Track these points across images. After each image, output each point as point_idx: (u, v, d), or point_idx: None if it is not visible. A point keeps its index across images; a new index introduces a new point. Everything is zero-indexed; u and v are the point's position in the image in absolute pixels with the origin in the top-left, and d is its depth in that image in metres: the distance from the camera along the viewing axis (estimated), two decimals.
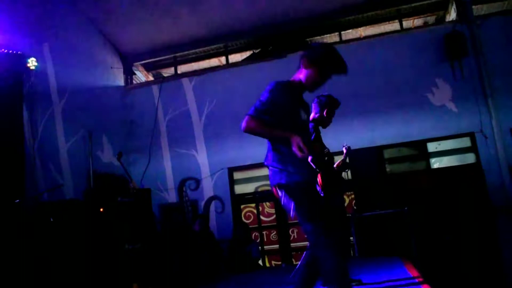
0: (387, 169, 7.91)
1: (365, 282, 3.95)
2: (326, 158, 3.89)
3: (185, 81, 8.97)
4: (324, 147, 3.91)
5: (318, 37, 9.10)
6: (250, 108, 2.43)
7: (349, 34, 9.05)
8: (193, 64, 9.76)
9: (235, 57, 9.44)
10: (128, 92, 9.25)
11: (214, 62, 9.73)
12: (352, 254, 6.71)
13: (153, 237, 5.85)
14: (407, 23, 8.81)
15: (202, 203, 8.34)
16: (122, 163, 6.03)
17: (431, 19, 8.93)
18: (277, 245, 8.33)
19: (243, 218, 8.58)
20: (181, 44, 9.14)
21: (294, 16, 8.51)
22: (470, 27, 7.69)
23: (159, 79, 9.49)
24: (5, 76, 5.30)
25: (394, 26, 8.82)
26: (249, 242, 7.35)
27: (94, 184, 6.51)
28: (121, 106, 9.01)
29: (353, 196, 8.02)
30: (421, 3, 8.38)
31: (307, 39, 9.05)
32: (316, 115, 3.95)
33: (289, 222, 8.39)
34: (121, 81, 9.27)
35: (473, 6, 7.99)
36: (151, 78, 10.01)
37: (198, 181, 8.45)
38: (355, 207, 7.80)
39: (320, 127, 3.94)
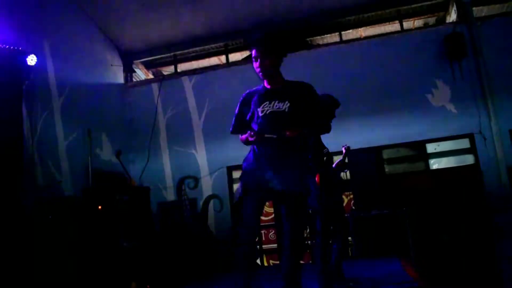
0: (386, 170, 7.92)
1: (363, 282, 3.96)
2: (325, 157, 3.90)
3: (185, 79, 8.97)
4: (323, 147, 3.92)
5: (318, 37, 9.11)
6: None
7: (350, 34, 9.06)
8: (193, 62, 9.75)
9: (235, 56, 9.44)
10: (128, 90, 9.24)
11: (214, 60, 9.73)
12: (350, 254, 6.73)
13: (151, 235, 5.85)
14: (408, 24, 8.81)
15: (201, 202, 8.34)
16: (121, 161, 6.03)
17: (431, 20, 8.93)
18: (275, 245, 8.33)
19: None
20: (181, 42, 9.13)
21: (294, 15, 8.51)
22: (470, 28, 7.70)
23: (159, 77, 9.49)
24: (5, 72, 5.28)
25: (394, 26, 8.83)
26: None
27: (93, 182, 6.50)
28: (120, 104, 9.00)
29: (351, 196, 8.03)
30: (421, 4, 8.39)
31: (308, 39, 9.05)
32: None
33: None
34: (121, 79, 9.26)
35: (474, 8, 8.00)
36: (151, 76, 10.00)
37: (197, 180, 8.45)
38: (353, 207, 7.81)
39: None
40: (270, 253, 8.39)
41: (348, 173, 7.81)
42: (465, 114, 7.51)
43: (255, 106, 2.79)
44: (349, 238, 6.49)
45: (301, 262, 2.83)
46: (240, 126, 2.88)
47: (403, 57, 7.92)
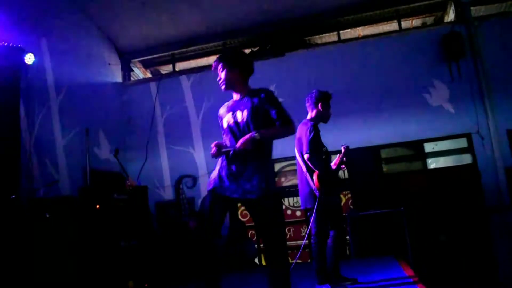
0: (384, 169, 7.93)
1: (360, 282, 3.97)
2: (324, 156, 3.90)
3: (183, 78, 8.96)
4: (322, 145, 3.92)
5: (317, 36, 9.11)
6: None
7: (348, 33, 9.06)
8: (191, 61, 9.74)
9: None
10: (126, 89, 9.23)
11: (212, 59, 9.61)
12: (347, 253, 6.74)
13: (149, 234, 5.84)
14: (406, 24, 8.82)
15: (199, 201, 8.34)
16: (119, 160, 6.02)
17: (429, 19, 8.94)
18: None
19: (239, 216, 8.58)
20: (179, 41, 9.13)
21: (293, 15, 8.51)
22: (468, 28, 7.72)
23: (157, 76, 9.48)
24: (2, 70, 5.27)
25: (392, 26, 8.83)
26: (245, 240, 7.36)
27: (91, 181, 6.49)
28: (118, 102, 8.99)
29: (349, 195, 8.04)
30: (419, 3, 8.39)
31: (306, 38, 9.05)
32: (313, 113, 3.97)
33: (286, 220, 8.40)
34: (118, 78, 9.24)
35: (472, 8, 8.01)
36: (149, 75, 9.99)
37: (195, 179, 8.45)
38: (351, 206, 7.82)
39: (322, 125, 3.95)
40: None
41: (346, 172, 7.83)
42: (462, 114, 7.53)
43: (222, 118, 3.01)
44: (347, 237, 6.49)
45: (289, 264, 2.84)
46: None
47: (401, 56, 7.93)
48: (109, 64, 8.88)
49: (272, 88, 8.37)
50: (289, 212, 8.49)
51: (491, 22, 7.80)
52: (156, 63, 9.89)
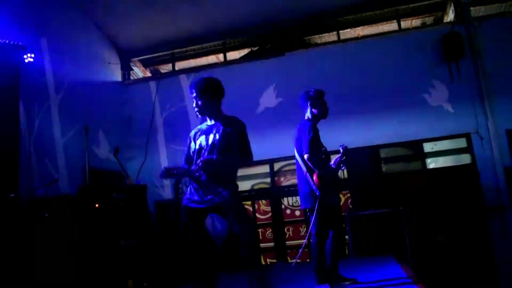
0: (383, 169, 7.94)
1: (360, 281, 3.97)
2: (323, 156, 3.90)
3: (182, 77, 8.96)
4: (322, 145, 3.92)
5: (316, 36, 9.11)
6: None
7: (347, 33, 9.06)
8: (191, 61, 9.74)
9: (233, 55, 9.43)
10: (126, 87, 9.22)
11: (212, 59, 9.71)
12: (346, 253, 6.74)
13: (148, 233, 5.84)
14: (405, 24, 8.83)
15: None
16: (119, 159, 6.01)
17: (429, 19, 8.95)
18: (272, 243, 8.34)
19: None
20: (179, 40, 9.12)
21: (292, 14, 8.51)
22: (467, 28, 7.72)
23: (157, 75, 9.47)
24: (2, 68, 5.27)
25: (392, 26, 8.83)
26: None
27: (90, 180, 6.48)
28: (118, 101, 8.98)
29: (349, 195, 8.04)
30: (419, 3, 8.39)
31: (305, 38, 9.05)
32: (309, 113, 3.97)
33: (285, 220, 8.41)
34: (118, 77, 9.24)
35: (471, 8, 8.01)
36: (148, 74, 9.99)
37: None
38: (350, 206, 7.82)
39: (321, 124, 3.95)
40: (267, 251, 8.40)
41: (345, 172, 7.83)
42: (462, 114, 7.53)
43: (194, 141, 3.25)
44: (346, 237, 6.50)
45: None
46: (187, 157, 3.33)
47: (401, 56, 7.93)
48: (109, 63, 8.88)
49: (272, 87, 8.39)
50: (288, 211, 8.50)
51: (491, 22, 7.80)
52: (156, 62, 9.89)
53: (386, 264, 5.06)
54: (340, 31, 8.94)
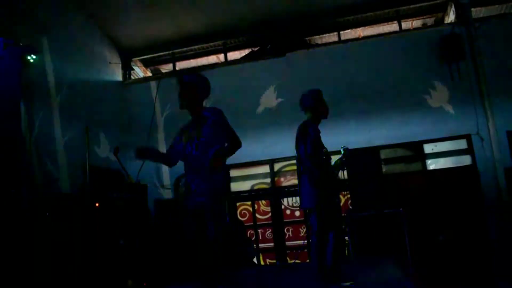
0: (383, 170, 7.93)
1: (359, 282, 3.97)
2: (324, 157, 3.91)
3: None
4: (322, 146, 3.93)
5: (317, 36, 9.11)
6: None
7: (348, 34, 9.05)
8: (191, 60, 9.74)
9: (233, 55, 9.43)
10: (126, 87, 9.22)
11: (212, 59, 9.71)
12: (347, 254, 6.74)
13: (148, 233, 5.85)
14: (406, 24, 8.82)
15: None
16: (119, 158, 6.02)
17: (429, 20, 8.94)
18: (272, 244, 8.35)
19: (238, 216, 8.59)
20: (179, 40, 9.12)
21: (293, 15, 8.51)
22: (468, 29, 7.71)
23: (157, 75, 9.48)
24: (3, 68, 5.28)
25: (393, 27, 8.83)
26: (244, 240, 7.37)
27: (90, 179, 6.49)
28: (118, 101, 8.98)
29: (349, 196, 8.04)
30: (420, 4, 8.39)
31: (306, 38, 9.05)
32: (310, 114, 3.98)
33: (285, 220, 8.41)
34: (119, 76, 9.24)
35: (472, 9, 8.01)
36: (149, 74, 9.99)
37: None
38: (350, 207, 7.82)
39: (322, 125, 3.96)
40: (266, 252, 8.41)
41: (345, 172, 7.82)
42: (462, 115, 7.53)
43: (181, 136, 3.36)
44: (346, 237, 6.50)
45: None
46: (172, 147, 3.42)
47: (401, 57, 7.92)
48: (110, 62, 8.88)
49: (272, 88, 8.39)
50: (288, 212, 8.51)
51: (492, 23, 7.79)
52: (157, 62, 9.89)
53: (386, 264, 5.06)
54: (341, 32, 8.93)
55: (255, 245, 8.07)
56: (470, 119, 7.46)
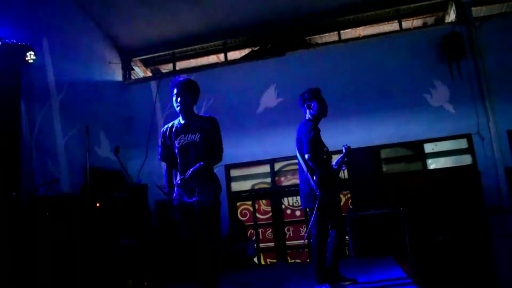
0: (384, 169, 7.93)
1: (360, 282, 3.97)
2: (325, 156, 3.90)
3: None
4: (323, 145, 3.92)
5: (317, 36, 9.11)
6: None
7: (348, 33, 9.06)
8: (191, 60, 9.74)
9: (234, 55, 9.43)
10: (126, 87, 9.23)
11: (212, 59, 9.72)
12: (347, 253, 6.74)
13: (148, 232, 5.84)
14: (406, 24, 8.82)
15: None
16: (119, 158, 6.02)
17: (430, 20, 8.94)
18: (273, 243, 8.35)
19: (239, 216, 8.59)
20: (179, 40, 9.13)
21: (293, 14, 8.51)
22: (469, 28, 7.71)
23: (158, 75, 9.48)
24: (3, 68, 5.27)
25: (393, 26, 8.83)
26: (245, 240, 7.37)
27: (91, 179, 6.49)
28: (119, 101, 8.99)
29: (349, 195, 8.04)
30: (420, 3, 8.39)
31: (306, 38, 9.05)
32: (309, 113, 3.97)
33: (285, 220, 8.41)
34: (119, 76, 9.25)
35: (472, 8, 8.01)
36: (149, 74, 9.99)
37: None
38: (351, 206, 7.82)
39: (322, 124, 3.96)
40: (267, 251, 8.41)
41: (345, 172, 7.83)
42: (463, 114, 7.53)
43: (174, 138, 3.42)
44: (346, 237, 6.50)
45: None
46: (166, 154, 3.53)
47: (402, 56, 7.93)
48: (110, 62, 8.89)
49: (272, 88, 8.39)
50: (288, 211, 8.50)
51: (492, 22, 7.79)
52: (157, 62, 9.89)
53: (386, 264, 5.06)
54: (341, 31, 8.93)
55: (255, 245, 8.07)
56: (471, 118, 7.46)
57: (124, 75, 9.37)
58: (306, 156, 3.74)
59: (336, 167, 4.13)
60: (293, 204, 8.49)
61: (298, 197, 7.70)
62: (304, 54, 8.44)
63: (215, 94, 8.52)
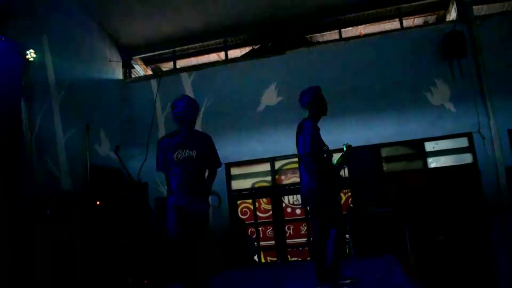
0: (384, 168, 7.93)
1: (360, 281, 3.97)
2: (325, 155, 3.90)
3: (184, 76, 8.95)
4: (324, 144, 3.92)
5: (318, 34, 9.10)
6: None
7: (349, 32, 9.04)
8: (192, 59, 9.74)
9: (234, 53, 9.42)
10: (127, 86, 9.22)
11: (213, 57, 9.71)
12: (347, 252, 6.74)
13: (149, 231, 5.85)
14: (407, 22, 8.81)
15: None
16: (120, 156, 6.01)
17: (431, 18, 8.93)
18: (273, 242, 8.35)
19: (239, 214, 8.60)
20: (180, 38, 9.12)
21: (294, 13, 8.50)
22: (470, 27, 7.69)
23: (158, 74, 9.46)
24: (3, 67, 5.27)
25: (394, 24, 8.82)
26: (245, 238, 7.37)
27: (91, 178, 6.49)
28: (119, 99, 8.98)
29: (349, 194, 8.04)
30: (421, 2, 8.38)
31: (307, 36, 9.04)
32: (309, 112, 3.97)
33: (285, 218, 8.41)
34: (119, 75, 9.24)
35: (474, 6, 7.99)
36: (149, 72, 9.98)
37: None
38: (351, 205, 7.82)
39: (322, 123, 3.96)
40: (267, 249, 8.42)
41: (346, 170, 7.83)
42: (464, 113, 7.51)
43: (172, 152, 3.66)
44: (347, 236, 6.50)
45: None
46: (164, 165, 3.77)
47: (403, 55, 7.91)
48: (110, 61, 8.88)
49: (273, 86, 8.38)
50: (289, 210, 8.51)
51: (493, 21, 7.76)
52: (157, 60, 9.89)
53: (386, 263, 5.06)
54: (342, 30, 8.93)
55: (256, 243, 8.08)
56: (471, 117, 7.44)
57: (124, 74, 9.37)
58: (307, 154, 3.73)
59: (336, 165, 4.12)
60: (293, 202, 8.49)
61: (299, 196, 7.70)
62: (305, 53, 8.43)
63: (215, 93, 8.52)
